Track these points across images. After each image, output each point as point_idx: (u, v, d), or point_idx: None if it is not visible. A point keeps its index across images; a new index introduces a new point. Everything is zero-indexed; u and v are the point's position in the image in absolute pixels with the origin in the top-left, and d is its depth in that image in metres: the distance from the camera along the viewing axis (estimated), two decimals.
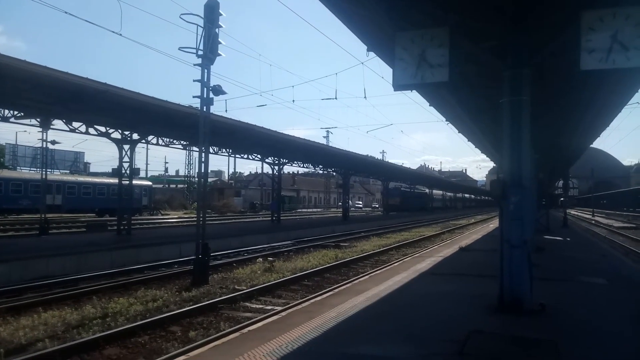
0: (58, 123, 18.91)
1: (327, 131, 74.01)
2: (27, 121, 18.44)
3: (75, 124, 19.00)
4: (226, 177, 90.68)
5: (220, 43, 12.56)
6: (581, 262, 13.70)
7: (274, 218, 32.94)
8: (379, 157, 72.00)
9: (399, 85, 7.68)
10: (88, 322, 8.46)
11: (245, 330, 6.71)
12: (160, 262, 15.56)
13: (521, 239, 7.18)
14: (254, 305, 10.17)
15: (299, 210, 72.91)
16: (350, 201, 57.62)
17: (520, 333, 6.15)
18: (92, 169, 73.17)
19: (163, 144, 23.64)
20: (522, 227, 7.21)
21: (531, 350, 5.53)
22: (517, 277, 7.15)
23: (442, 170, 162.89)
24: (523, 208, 7.24)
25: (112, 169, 23.46)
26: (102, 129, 19.84)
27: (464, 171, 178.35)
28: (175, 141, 24.27)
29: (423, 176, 73.26)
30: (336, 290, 9.77)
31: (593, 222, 48.35)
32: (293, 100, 36.25)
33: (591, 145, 29.16)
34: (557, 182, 36.65)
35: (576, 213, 72.83)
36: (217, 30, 12.38)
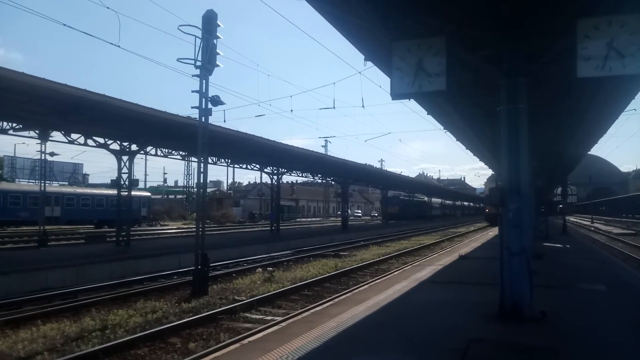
0: (57, 135, 18.92)
1: (326, 140, 74.19)
2: (25, 133, 18.43)
3: (74, 136, 18.99)
4: (225, 187, 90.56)
5: (218, 54, 12.64)
6: (581, 268, 13.68)
7: (273, 228, 32.86)
8: (378, 165, 72.04)
9: (397, 94, 7.72)
10: (87, 334, 8.42)
11: (246, 341, 6.69)
12: (159, 273, 15.51)
13: (520, 246, 7.17)
14: (253, 316, 10.12)
15: (298, 219, 72.83)
16: (349, 210, 57.60)
17: (520, 341, 6.13)
18: (91, 181, 73.21)
19: (162, 154, 23.62)
20: (521, 234, 7.21)
21: (532, 358, 5.51)
22: (517, 285, 7.14)
23: (441, 178, 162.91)
24: (522, 215, 7.25)
25: (111, 180, 23.42)
26: (101, 140, 19.85)
27: (462, 179, 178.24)
28: (174, 152, 24.26)
29: (422, 184, 73.28)
30: (336, 299, 9.75)
31: (592, 228, 48.30)
32: (291, 110, 36.61)
33: (589, 152, 29.22)
34: (555, 189, 36.67)
35: (575, 220, 72.82)
36: (215, 41, 12.45)
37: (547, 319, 7.09)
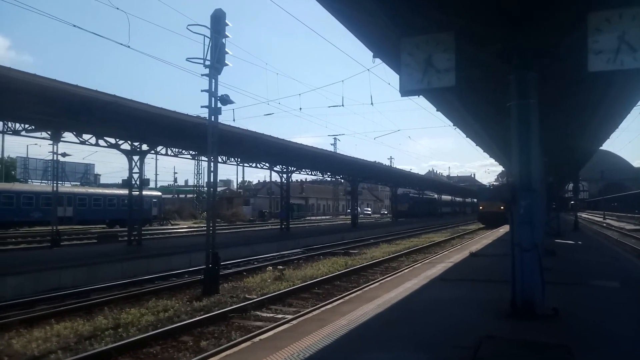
0: (68, 135, 19.13)
1: (335, 138, 74.39)
2: (37, 134, 18.62)
3: (85, 136, 19.17)
4: (235, 186, 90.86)
5: (227, 53, 12.65)
6: (593, 265, 13.56)
7: (283, 226, 32.94)
8: (387, 163, 71.82)
9: (406, 90, 7.68)
10: (100, 333, 8.50)
11: (257, 339, 6.71)
12: (170, 272, 15.59)
13: (532, 242, 7.12)
14: (264, 314, 10.16)
15: (307, 218, 72.87)
16: (358, 208, 57.47)
17: (533, 338, 6.08)
18: (103, 181, 73.85)
19: (172, 154, 23.76)
20: (532, 230, 7.16)
21: (544, 355, 5.47)
22: (529, 281, 7.09)
23: (451, 175, 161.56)
24: (533, 211, 7.19)
25: (122, 180, 23.81)
26: (112, 140, 20.01)
27: (472, 176, 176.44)
28: (184, 151, 24.38)
29: (431, 182, 73.04)
30: (346, 297, 9.75)
31: (604, 225, 47.86)
32: (300, 108, 36.85)
33: (601, 148, 28.93)
34: (567, 185, 36.38)
35: (587, 216, 72.16)
36: (223, 40, 12.46)
37: (559, 316, 7.03)
